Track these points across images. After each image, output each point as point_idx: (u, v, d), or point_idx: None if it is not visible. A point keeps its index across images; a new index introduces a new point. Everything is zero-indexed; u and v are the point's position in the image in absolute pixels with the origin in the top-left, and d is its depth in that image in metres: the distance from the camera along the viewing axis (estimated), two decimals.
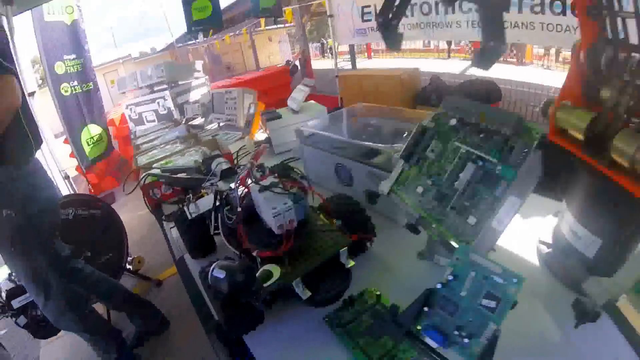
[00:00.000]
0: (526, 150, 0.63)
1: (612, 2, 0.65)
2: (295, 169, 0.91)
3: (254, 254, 0.75)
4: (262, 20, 12.50)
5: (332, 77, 5.49)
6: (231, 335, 0.76)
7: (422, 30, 4.27)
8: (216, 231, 0.97)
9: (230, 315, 0.71)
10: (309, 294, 0.72)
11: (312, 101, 1.98)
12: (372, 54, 13.73)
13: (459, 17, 3.81)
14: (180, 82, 3.13)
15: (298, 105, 1.77)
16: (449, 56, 11.53)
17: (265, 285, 0.69)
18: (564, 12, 2.93)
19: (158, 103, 2.97)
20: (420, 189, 0.76)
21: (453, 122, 0.76)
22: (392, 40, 0.90)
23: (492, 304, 0.55)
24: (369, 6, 4.59)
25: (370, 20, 4.70)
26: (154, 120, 3.02)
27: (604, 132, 0.68)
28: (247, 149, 1.68)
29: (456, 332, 0.56)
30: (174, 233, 1.23)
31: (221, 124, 2.33)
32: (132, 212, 3.65)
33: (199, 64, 3.36)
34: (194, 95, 3.14)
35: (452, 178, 0.72)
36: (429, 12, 4.12)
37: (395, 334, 0.66)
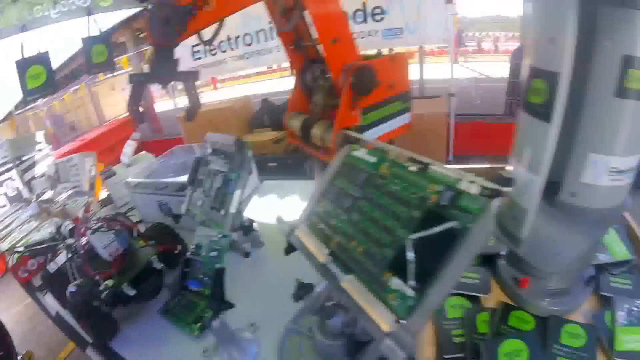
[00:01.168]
0: (242, 159, 1.11)
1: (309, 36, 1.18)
2: (124, 214, 1.27)
3: (97, 278, 1.09)
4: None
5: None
6: (99, 342, 1.08)
7: (247, 60, 4.90)
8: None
9: (89, 325, 1.04)
10: (134, 291, 1.05)
11: (144, 152, 2.26)
12: (218, 84, 14.18)
13: (277, 42, 4.56)
14: (24, 158, 3.06)
15: (129, 159, 2.04)
16: (292, 73, 12.48)
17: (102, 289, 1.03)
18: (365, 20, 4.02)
19: (6, 185, 2.89)
20: (199, 202, 1.20)
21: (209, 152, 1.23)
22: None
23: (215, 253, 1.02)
24: (198, 44, 4.96)
25: (200, 58, 5.21)
26: (5, 205, 2.93)
27: (310, 127, 1.21)
28: (93, 209, 1.93)
29: (202, 277, 1.01)
30: (49, 299, 1.40)
31: (69, 192, 2.45)
32: (13, 305, 3.45)
33: (40, 135, 3.29)
34: (40, 169, 3.11)
35: (211, 190, 1.17)
36: (251, 42, 4.81)
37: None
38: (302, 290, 0.77)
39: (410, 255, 0.57)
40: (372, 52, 1.29)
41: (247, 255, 1.25)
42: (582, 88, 0.63)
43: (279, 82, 11.55)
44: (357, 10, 4.14)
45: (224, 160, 1.17)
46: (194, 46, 5.12)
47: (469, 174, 0.55)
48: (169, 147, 2.13)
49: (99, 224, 1.15)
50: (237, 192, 1.09)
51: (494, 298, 0.88)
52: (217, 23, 1.11)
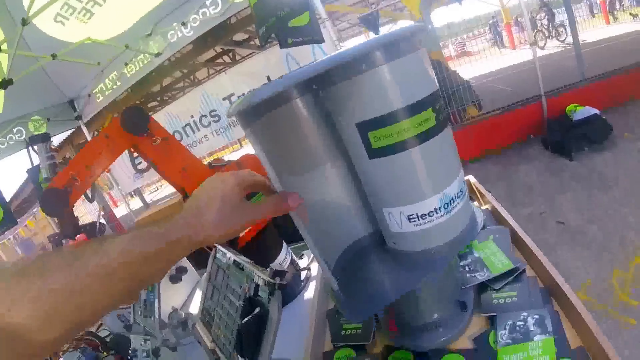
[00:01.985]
0: None
1: None
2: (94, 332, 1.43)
3: None
4: None
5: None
6: None
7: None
8: None
9: None
10: None
11: None
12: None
13: (204, 132, 4.88)
14: None
15: None
16: None
17: None
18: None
19: None
20: (139, 312, 1.28)
21: None
22: None
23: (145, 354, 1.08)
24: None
25: (140, 162, 5.46)
26: None
27: None
28: None
29: None
30: None
31: None
32: None
33: None
34: None
35: (141, 301, 1.26)
36: (186, 135, 5.17)
37: None
38: None
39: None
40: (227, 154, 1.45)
41: (174, 348, 1.29)
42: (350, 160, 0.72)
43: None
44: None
45: None
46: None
47: (259, 268, 0.63)
48: None
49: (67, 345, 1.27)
50: (156, 302, 1.17)
51: (381, 343, 0.91)
52: None
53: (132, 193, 6.71)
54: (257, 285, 0.64)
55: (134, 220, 5.68)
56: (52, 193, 1.16)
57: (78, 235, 1.32)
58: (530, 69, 4.96)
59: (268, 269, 0.63)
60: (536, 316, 0.78)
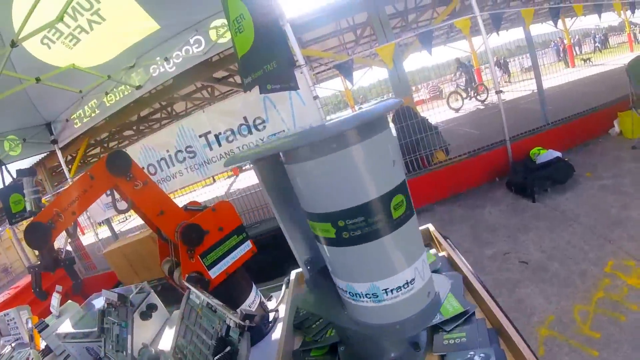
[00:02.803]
0: (126, 310, 1.22)
1: None
2: None
3: None
4: None
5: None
6: None
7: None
8: None
9: None
10: None
11: (69, 302, 2.33)
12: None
13: (179, 167, 4.98)
14: None
15: (57, 310, 2.14)
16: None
17: None
18: (250, 132, 4.39)
19: None
20: (110, 347, 1.29)
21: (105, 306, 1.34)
22: None
23: None
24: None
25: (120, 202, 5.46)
26: None
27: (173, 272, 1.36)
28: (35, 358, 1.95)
29: None
30: None
31: (13, 344, 2.45)
32: None
33: None
34: None
35: (113, 337, 1.28)
36: (160, 169, 5.17)
37: None
38: None
39: None
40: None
41: None
42: None
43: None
44: (241, 124, 4.58)
45: (115, 312, 1.29)
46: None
47: (230, 311, 0.71)
48: (104, 281, 2.22)
49: None
50: (129, 337, 1.20)
51: None
52: None
53: (101, 222, 6.52)
54: (229, 327, 0.71)
55: (101, 250, 5.50)
56: (36, 227, 1.21)
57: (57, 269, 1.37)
58: (497, 113, 5.25)
59: (239, 312, 0.70)
60: (482, 354, 0.86)
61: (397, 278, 0.75)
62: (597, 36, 17.19)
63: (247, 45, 2.08)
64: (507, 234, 3.98)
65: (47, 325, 2.11)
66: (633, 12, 6.25)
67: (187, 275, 1.22)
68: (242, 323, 0.67)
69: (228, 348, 0.69)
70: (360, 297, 0.77)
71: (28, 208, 1.46)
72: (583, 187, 4.44)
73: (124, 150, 4.69)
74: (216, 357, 0.70)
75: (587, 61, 14.57)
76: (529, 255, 3.46)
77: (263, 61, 2.03)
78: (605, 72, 8.88)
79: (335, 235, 0.70)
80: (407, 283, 0.77)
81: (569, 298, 2.76)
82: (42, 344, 2.36)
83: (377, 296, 0.76)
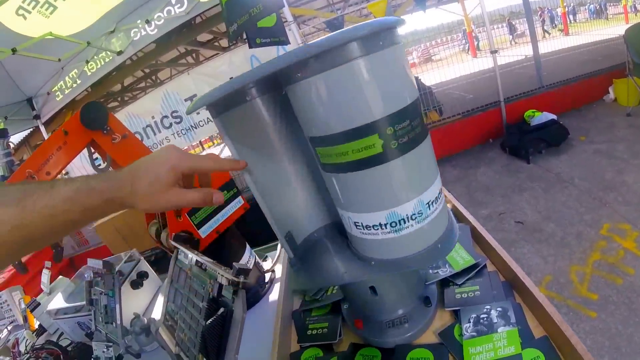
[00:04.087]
0: (113, 278, 1.14)
1: None
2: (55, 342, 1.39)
3: None
4: None
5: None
6: None
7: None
8: None
9: None
10: None
11: (60, 277, 2.26)
12: None
13: (165, 134, 4.81)
14: None
15: (47, 287, 2.05)
16: None
17: None
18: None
19: None
20: (100, 319, 1.22)
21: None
22: None
23: None
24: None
25: (99, 162, 5.33)
26: None
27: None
28: (30, 340, 1.89)
29: None
30: None
31: (9, 327, 2.39)
32: None
33: None
34: None
35: (101, 308, 1.20)
36: (147, 137, 5.03)
37: None
38: None
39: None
40: None
41: (138, 355, 1.24)
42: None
43: None
44: None
45: (102, 281, 1.21)
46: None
47: (222, 267, 0.62)
48: (97, 256, 2.13)
49: (28, 355, 1.26)
50: (117, 307, 1.12)
51: (347, 341, 0.91)
52: None
53: None
54: (221, 285, 0.63)
55: (92, 224, 5.39)
56: None
57: None
58: (491, 76, 5.15)
59: (231, 268, 0.62)
60: (499, 309, 0.80)
61: (434, 189, 0.66)
62: (591, 5, 16.73)
63: None
64: (502, 194, 3.96)
65: (39, 304, 2.03)
66: None
67: (174, 234, 1.12)
68: (236, 279, 0.59)
69: (221, 310, 0.61)
70: (366, 229, 0.67)
71: (0, 173, 1.32)
72: (577, 151, 4.40)
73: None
74: (208, 321, 0.62)
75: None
76: (525, 215, 3.45)
77: (248, 4, 1.88)
78: (602, 40, 8.72)
79: (382, 147, 0.57)
80: (440, 194, 0.69)
81: (565, 259, 2.76)
82: (37, 324, 2.31)
83: (422, 213, 0.65)
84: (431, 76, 6.22)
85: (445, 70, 6.70)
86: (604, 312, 2.22)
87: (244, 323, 0.58)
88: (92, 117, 1.14)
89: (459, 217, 1.18)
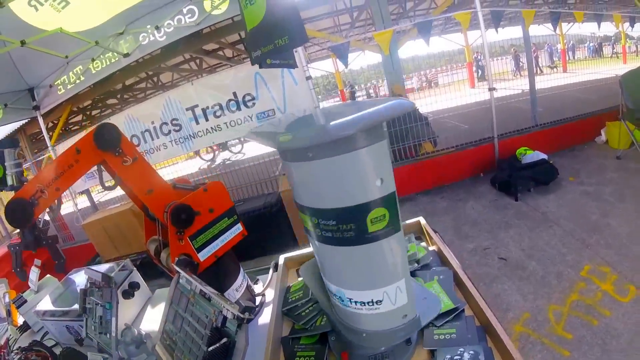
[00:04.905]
0: (111, 292, 1.19)
1: None
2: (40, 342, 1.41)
3: None
4: None
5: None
6: None
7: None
8: None
9: None
10: None
11: (48, 276, 2.28)
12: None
13: (163, 140, 4.91)
14: None
15: (35, 285, 2.08)
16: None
17: None
18: (239, 108, 4.26)
19: None
20: (93, 327, 1.26)
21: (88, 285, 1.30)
22: None
23: None
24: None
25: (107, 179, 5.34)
26: None
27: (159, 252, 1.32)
28: (13, 336, 1.90)
29: None
30: None
31: None
32: None
33: None
34: None
35: (96, 318, 1.25)
36: (144, 141, 5.02)
37: None
38: None
39: None
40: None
41: None
42: None
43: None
44: (230, 100, 4.46)
45: (98, 293, 1.25)
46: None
47: (228, 302, 0.68)
48: (82, 253, 2.15)
49: (19, 356, 1.29)
50: (113, 320, 1.17)
51: None
52: None
53: (81, 191, 6.35)
54: (225, 318, 0.69)
55: (80, 221, 5.38)
56: (18, 204, 1.13)
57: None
58: (487, 109, 5.27)
59: (237, 304, 0.68)
60: (472, 352, 0.88)
61: (362, 293, 0.76)
62: (591, 44, 17.26)
63: (257, 18, 1.99)
64: (488, 229, 4.04)
65: (26, 301, 2.05)
66: (632, 26, 6.25)
67: (176, 258, 1.18)
68: (242, 316, 0.65)
69: (224, 339, 0.67)
70: (331, 293, 0.78)
71: (9, 182, 1.37)
72: (565, 191, 4.52)
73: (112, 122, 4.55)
74: (210, 348, 0.68)
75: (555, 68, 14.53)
76: (509, 252, 3.54)
77: (275, 36, 1.95)
78: (598, 79, 9.00)
79: (310, 228, 0.71)
80: (372, 302, 0.77)
81: (544, 297, 2.84)
82: (20, 320, 2.31)
83: (342, 300, 0.77)
84: (428, 102, 6.33)
85: (442, 97, 6.83)
86: (577, 351, 2.29)
87: (246, 353, 0.64)
88: (105, 138, 1.21)
89: (443, 260, 1.26)
